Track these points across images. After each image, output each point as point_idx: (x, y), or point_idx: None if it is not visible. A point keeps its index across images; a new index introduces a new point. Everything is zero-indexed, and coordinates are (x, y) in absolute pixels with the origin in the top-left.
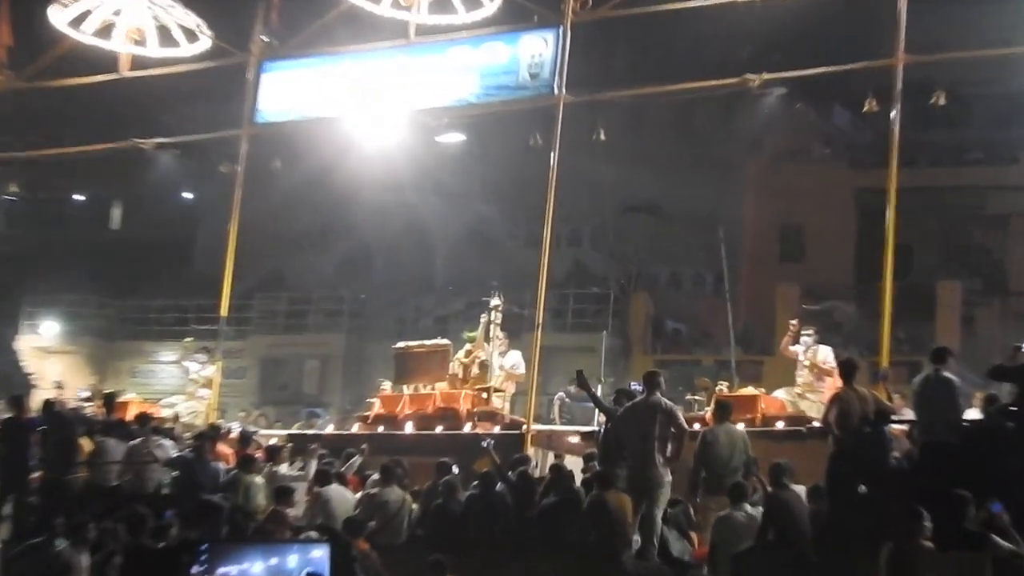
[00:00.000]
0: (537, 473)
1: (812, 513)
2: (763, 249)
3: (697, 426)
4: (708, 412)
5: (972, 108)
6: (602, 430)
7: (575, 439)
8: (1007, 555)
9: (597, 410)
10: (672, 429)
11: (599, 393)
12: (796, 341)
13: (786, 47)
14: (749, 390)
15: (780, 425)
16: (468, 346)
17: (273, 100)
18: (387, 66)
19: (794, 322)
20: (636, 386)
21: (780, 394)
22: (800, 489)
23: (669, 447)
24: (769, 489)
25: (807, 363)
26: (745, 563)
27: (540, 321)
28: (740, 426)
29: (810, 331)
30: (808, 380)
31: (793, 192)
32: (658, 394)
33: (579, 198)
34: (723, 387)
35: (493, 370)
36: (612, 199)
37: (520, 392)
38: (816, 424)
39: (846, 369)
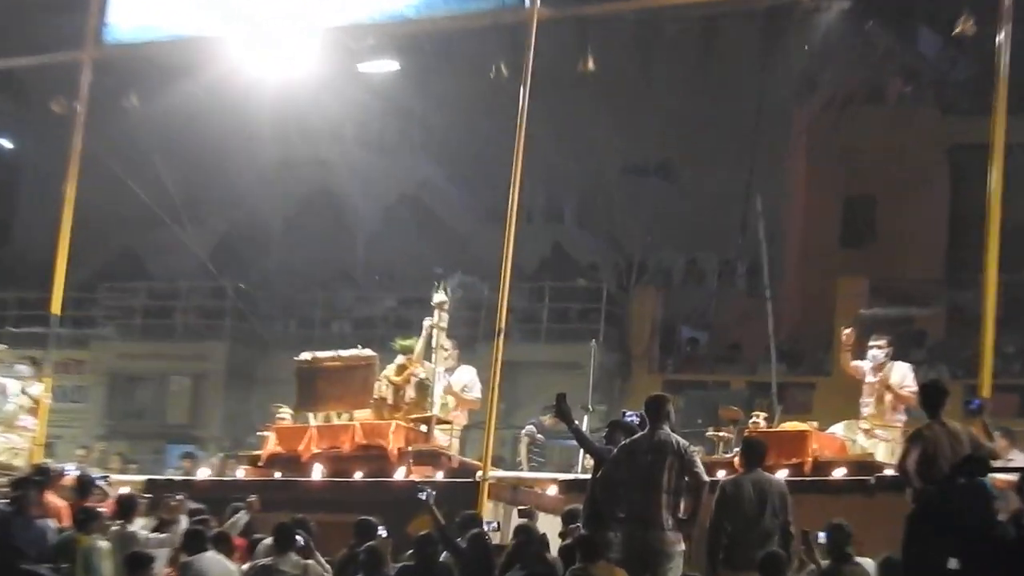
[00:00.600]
0: (497, 538)
1: None
2: (818, 229)
3: (722, 474)
4: (737, 455)
5: None
6: (589, 479)
7: (551, 491)
8: None
9: (582, 450)
10: (687, 478)
11: (585, 427)
12: (860, 356)
13: None
14: (795, 425)
15: (839, 473)
16: (402, 359)
17: (128, 11)
18: None
19: (848, 331)
20: (633, 416)
21: (839, 430)
22: (867, 564)
23: (682, 503)
24: (822, 563)
25: (877, 386)
26: None
27: (503, 326)
28: (782, 474)
29: (882, 343)
30: (878, 411)
31: (860, 150)
32: (667, 429)
33: (561, 155)
34: (759, 420)
35: (436, 393)
36: (607, 157)
37: (475, 424)
38: (889, 472)
39: (932, 396)
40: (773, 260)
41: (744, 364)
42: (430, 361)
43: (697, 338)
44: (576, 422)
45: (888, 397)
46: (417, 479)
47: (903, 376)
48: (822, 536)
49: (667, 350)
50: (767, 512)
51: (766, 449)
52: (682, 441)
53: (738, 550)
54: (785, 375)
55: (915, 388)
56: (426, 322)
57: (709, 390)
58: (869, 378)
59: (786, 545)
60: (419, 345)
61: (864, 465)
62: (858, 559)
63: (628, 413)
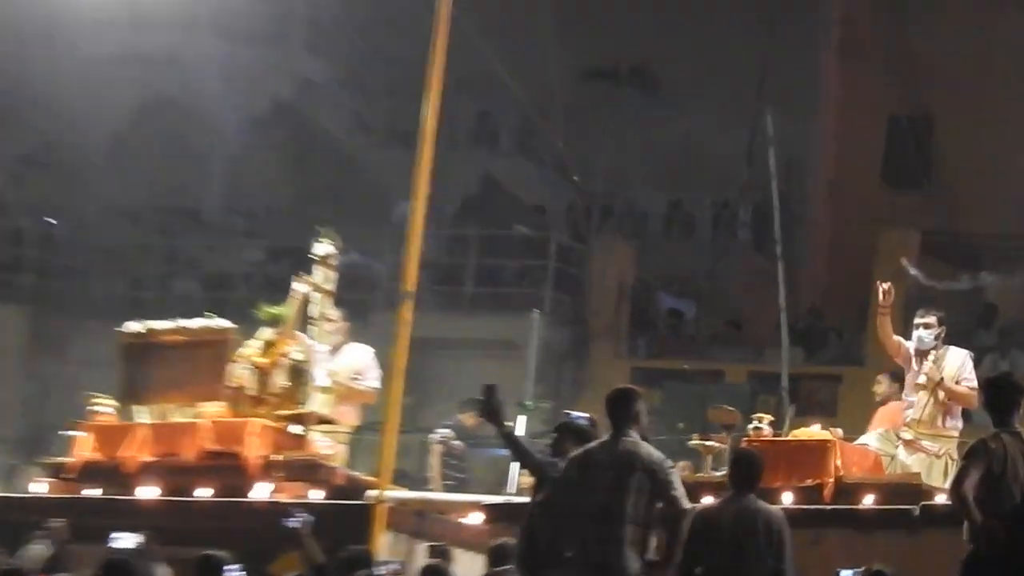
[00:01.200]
0: None
1: None
2: (854, 161)
3: (709, 500)
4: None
5: None
6: (527, 503)
7: (472, 519)
8: None
9: (516, 463)
10: (660, 504)
11: (522, 431)
12: (903, 333)
13: None
14: (813, 433)
15: (871, 501)
16: (268, 333)
17: None
18: None
19: (886, 286)
20: (583, 418)
21: (872, 441)
22: None
23: (653, 539)
24: None
25: (924, 380)
26: None
27: (410, 290)
28: (782, 503)
29: (931, 319)
30: (926, 415)
31: (917, 52)
32: (635, 436)
33: (497, 53)
34: (762, 425)
35: (317, 381)
36: (559, 55)
37: (369, 425)
38: (940, 499)
39: (1001, 395)
40: (789, 204)
41: (746, 348)
42: (308, 336)
43: (681, 310)
44: (510, 424)
45: (939, 395)
46: (286, 500)
47: (960, 366)
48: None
49: (640, 326)
50: (749, 554)
51: (761, 466)
52: (655, 453)
53: None
54: (802, 364)
55: (976, 383)
56: (300, 285)
57: (696, 383)
58: (915, 365)
59: None
60: (292, 313)
61: (906, 489)
62: None
63: (575, 414)
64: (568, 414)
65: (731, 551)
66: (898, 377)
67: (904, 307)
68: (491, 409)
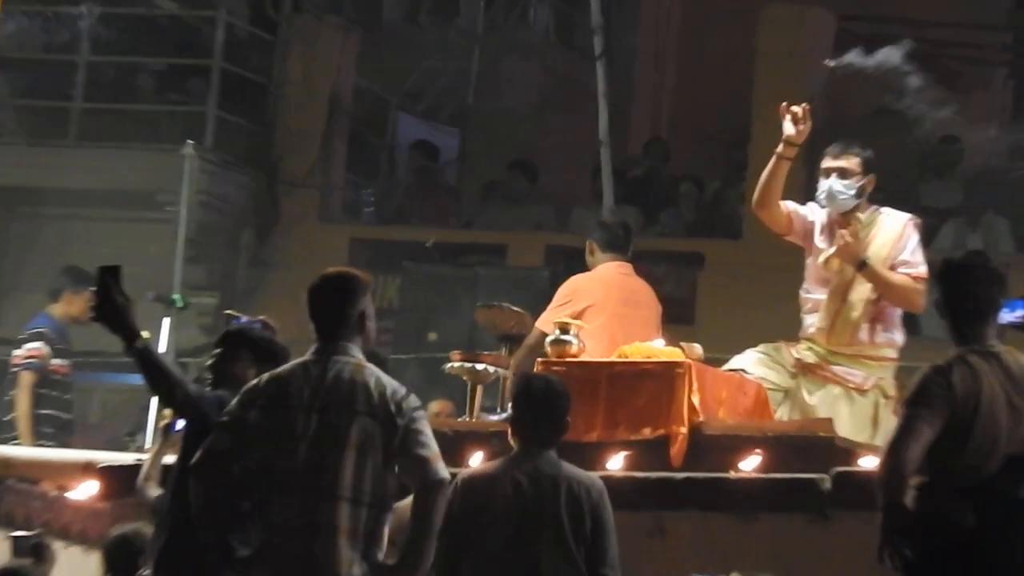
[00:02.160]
0: None
1: None
2: None
3: (479, 461)
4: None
5: None
6: (173, 463)
7: (84, 489)
8: None
9: (157, 396)
10: (398, 468)
11: (165, 344)
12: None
13: None
14: (653, 347)
15: (748, 465)
16: None
17: None
18: None
19: (801, 108)
20: (254, 323)
21: (751, 365)
22: None
23: (386, 523)
24: None
25: (837, 264)
26: None
27: None
28: (603, 468)
29: (853, 161)
30: (840, 323)
31: None
32: (357, 353)
33: None
34: (569, 335)
35: None
36: None
37: None
38: (867, 463)
39: (967, 291)
40: None
41: (543, 209)
42: None
43: (434, 144)
44: (144, 334)
45: (862, 291)
46: None
47: (898, 241)
48: None
49: (365, 170)
50: (544, 546)
51: (566, 405)
52: (391, 384)
53: None
54: (639, 235)
55: (924, 269)
56: None
57: (459, 265)
58: (817, 243)
59: None
60: None
61: (808, 445)
62: None
63: (245, 319)
64: (235, 318)
65: (514, 541)
66: None
67: (808, 149)
68: (111, 308)
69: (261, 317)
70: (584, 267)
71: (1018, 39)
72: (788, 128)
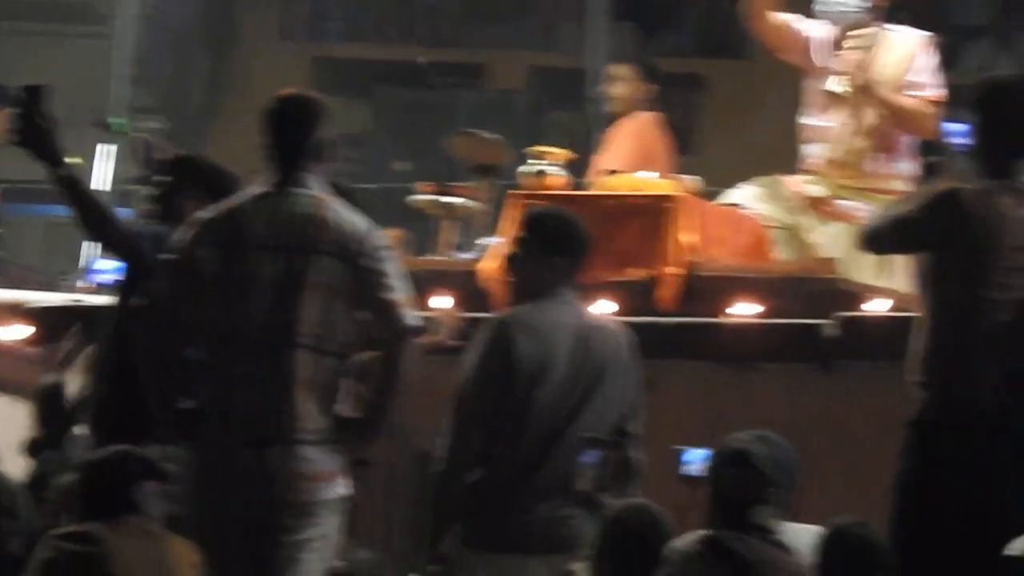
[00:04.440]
0: None
1: None
2: None
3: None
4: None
5: None
6: (107, 305)
7: (12, 331)
8: None
9: (91, 233)
10: (367, 309)
11: (103, 174)
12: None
13: None
14: (643, 179)
15: (745, 309)
16: None
17: None
18: None
19: None
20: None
21: (750, 199)
22: (804, 533)
23: (346, 378)
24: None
25: (843, 84)
26: None
27: None
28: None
29: None
30: (848, 151)
31: None
32: (317, 185)
33: None
34: (552, 166)
35: None
36: None
37: None
38: (874, 307)
39: (998, 118)
40: None
41: (527, 24)
42: None
43: None
44: (75, 161)
45: (871, 114)
46: None
47: (910, 60)
48: (693, 460)
49: None
50: (586, 406)
51: (586, 238)
52: (355, 219)
53: (511, 500)
54: (635, 53)
55: (939, 91)
56: None
57: (433, 88)
58: (816, 61)
59: (624, 480)
60: None
61: (812, 287)
62: (786, 527)
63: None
64: (147, 142)
65: (559, 398)
66: None
67: None
68: (34, 131)
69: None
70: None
71: None
72: None
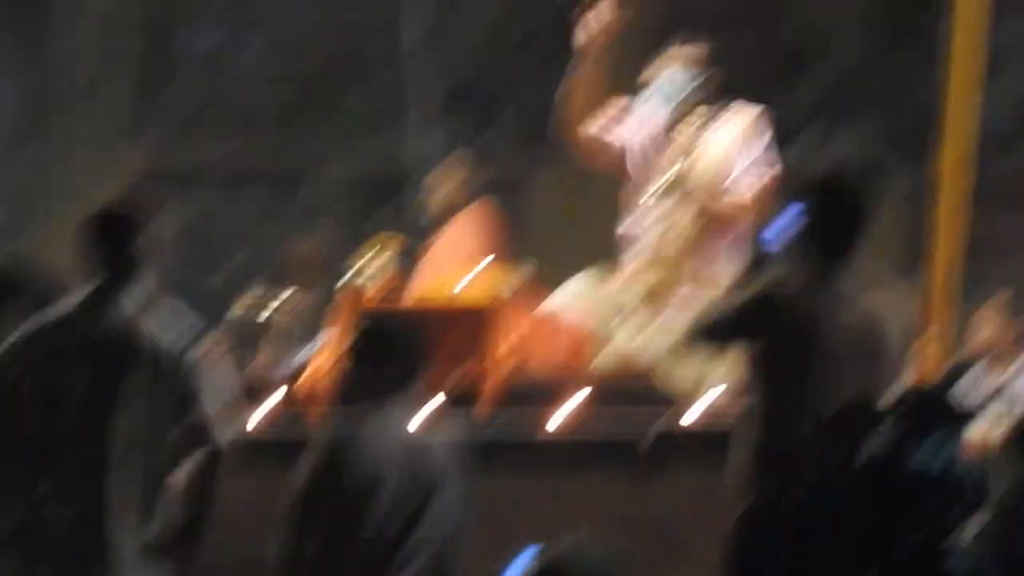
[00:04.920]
0: None
1: None
2: None
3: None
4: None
5: None
6: None
7: None
8: None
9: None
10: (175, 426)
11: None
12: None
13: None
14: (458, 284)
15: (568, 414)
16: None
17: None
18: None
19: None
20: None
21: (569, 297)
22: None
23: (160, 497)
24: None
25: (675, 168)
26: None
27: None
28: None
29: (692, 51)
30: (679, 234)
31: None
32: (140, 290)
33: None
34: (374, 269)
35: None
36: None
37: None
38: (700, 407)
39: (825, 212)
40: None
41: (350, 123)
42: None
43: (231, 53)
44: None
45: (694, 213)
46: None
47: (742, 141)
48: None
49: (157, 82)
50: (416, 521)
51: (415, 349)
52: (173, 330)
53: None
54: (462, 150)
55: (769, 176)
56: None
57: (256, 191)
58: (642, 159)
59: None
60: None
61: (633, 391)
62: None
63: None
64: None
65: (384, 511)
66: None
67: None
68: None
69: None
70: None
71: None
72: (586, 27)
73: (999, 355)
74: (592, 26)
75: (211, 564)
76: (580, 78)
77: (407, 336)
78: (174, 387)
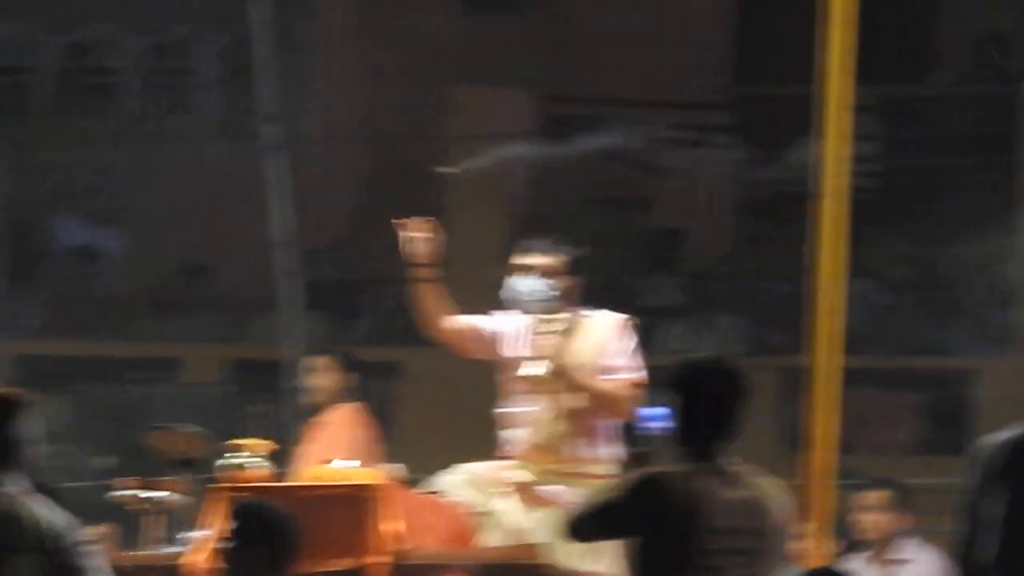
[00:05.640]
0: None
1: None
2: None
3: None
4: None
5: None
6: None
7: None
8: None
9: None
10: None
11: None
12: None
13: None
14: (344, 468)
15: None
16: None
17: None
18: None
19: (420, 234)
20: None
21: (451, 484)
22: None
23: None
24: None
25: (542, 368)
26: None
27: None
28: None
29: (549, 260)
30: (549, 433)
31: None
32: (13, 482)
33: None
34: (253, 458)
35: None
36: None
37: None
38: None
39: (699, 402)
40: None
41: (219, 317)
42: None
43: (94, 247)
44: None
45: (570, 399)
46: None
47: (608, 343)
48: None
49: (28, 278)
50: None
51: (292, 533)
52: (56, 515)
53: None
54: (325, 344)
55: (637, 375)
56: None
57: (127, 383)
58: (512, 352)
59: None
60: None
61: (514, 573)
62: None
63: None
64: None
65: None
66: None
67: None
68: None
69: None
70: None
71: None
72: (413, 247)
73: (881, 547)
74: (410, 248)
75: None
76: (420, 293)
77: (283, 516)
78: (60, 566)
